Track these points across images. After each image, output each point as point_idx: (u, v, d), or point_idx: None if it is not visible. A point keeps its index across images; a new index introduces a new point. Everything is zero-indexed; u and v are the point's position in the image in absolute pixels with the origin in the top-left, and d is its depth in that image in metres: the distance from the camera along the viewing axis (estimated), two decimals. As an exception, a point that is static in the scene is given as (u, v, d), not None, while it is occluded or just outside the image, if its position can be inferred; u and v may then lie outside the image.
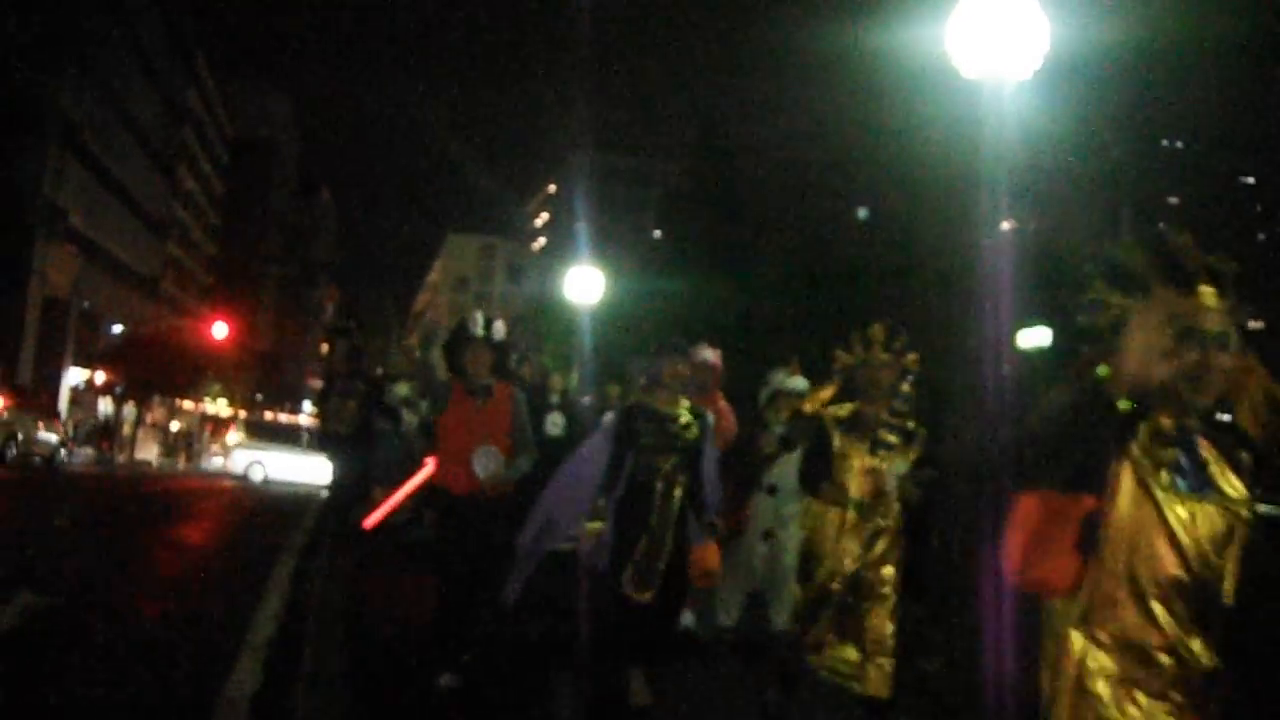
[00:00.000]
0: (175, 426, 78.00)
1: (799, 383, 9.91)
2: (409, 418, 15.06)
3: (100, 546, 14.77)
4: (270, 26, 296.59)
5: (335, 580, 11.18)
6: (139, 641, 8.76)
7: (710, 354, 9.29)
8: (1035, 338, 34.15)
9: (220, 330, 64.72)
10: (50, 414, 42.80)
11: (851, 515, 7.03)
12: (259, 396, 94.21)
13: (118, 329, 65.44)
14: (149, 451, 66.39)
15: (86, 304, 62.64)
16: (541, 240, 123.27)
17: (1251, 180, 76.32)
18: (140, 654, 8.29)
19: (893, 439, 7.09)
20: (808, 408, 8.10)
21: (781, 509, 9.66)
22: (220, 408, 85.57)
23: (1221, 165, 73.83)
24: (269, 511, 24.48)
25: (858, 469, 7.05)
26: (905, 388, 7.33)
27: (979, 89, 8.23)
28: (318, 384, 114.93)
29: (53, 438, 36.98)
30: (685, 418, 7.41)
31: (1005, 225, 8.78)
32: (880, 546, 7.07)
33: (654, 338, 9.28)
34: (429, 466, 9.43)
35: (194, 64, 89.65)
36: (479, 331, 8.21)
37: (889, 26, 31.08)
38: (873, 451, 7.07)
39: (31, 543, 14.52)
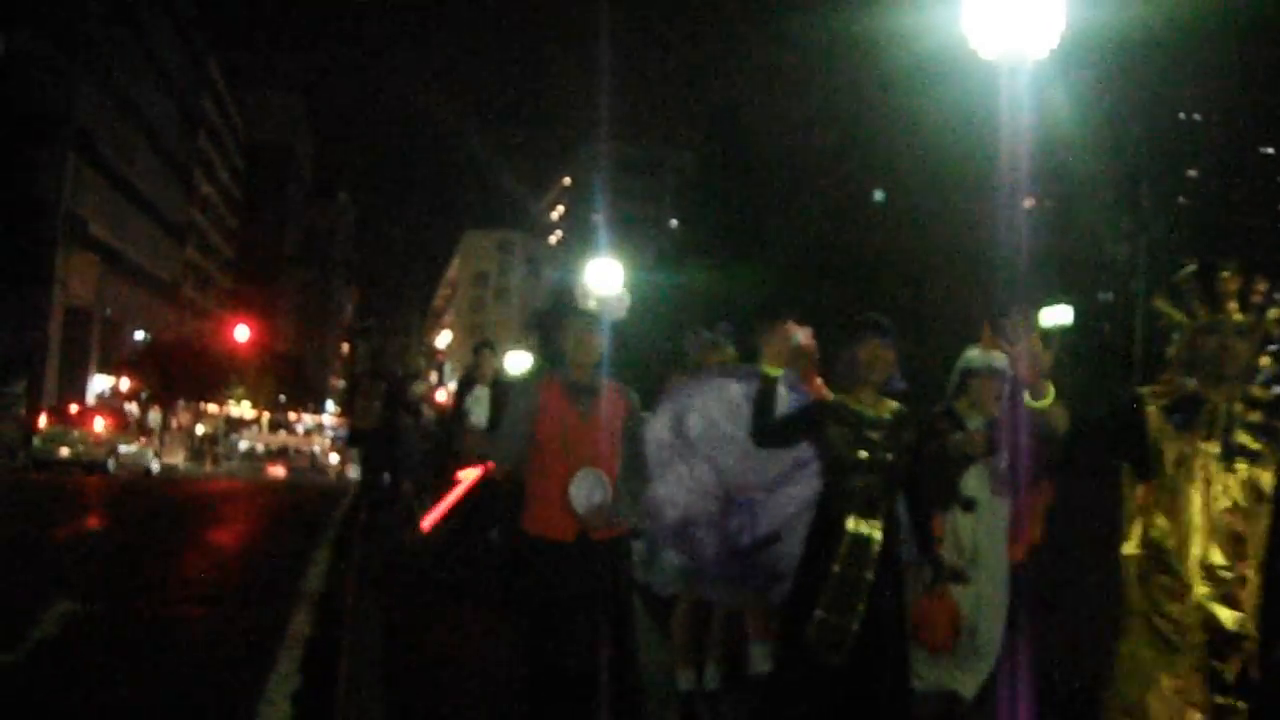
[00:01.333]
0: (200, 430, 78.32)
1: (997, 360, 6.47)
2: (428, 413, 16.29)
3: (137, 551, 14.86)
4: (282, 30, 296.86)
5: (369, 596, 11.09)
6: (177, 645, 8.82)
7: (802, 333, 6.63)
8: (1056, 315, 34.11)
9: (242, 333, 65.04)
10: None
11: (1216, 555, 4.46)
12: (282, 398, 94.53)
13: (140, 335, 65.78)
14: (175, 456, 66.69)
15: (109, 311, 62.89)
16: (558, 233, 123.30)
17: (1271, 151, 75.90)
18: (179, 658, 8.35)
19: (1255, 444, 4.56)
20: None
21: (979, 534, 6.42)
22: (244, 410, 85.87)
23: (1241, 137, 73.46)
24: (299, 508, 24.51)
25: (1212, 488, 4.50)
26: (1266, 362, 4.72)
27: (996, 70, 8.24)
28: (340, 384, 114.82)
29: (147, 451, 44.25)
30: (892, 422, 5.32)
31: (1026, 204, 8.77)
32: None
33: (673, 325, 9.09)
34: (476, 469, 8.88)
35: (207, 70, 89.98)
36: (591, 304, 6.17)
37: (904, 8, 31.03)
38: (1227, 460, 4.53)
39: (66, 550, 14.68)
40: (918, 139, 36.71)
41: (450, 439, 12.42)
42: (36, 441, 37.66)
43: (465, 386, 12.14)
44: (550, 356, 9.63)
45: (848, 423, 5.25)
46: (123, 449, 39.19)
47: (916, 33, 28.68)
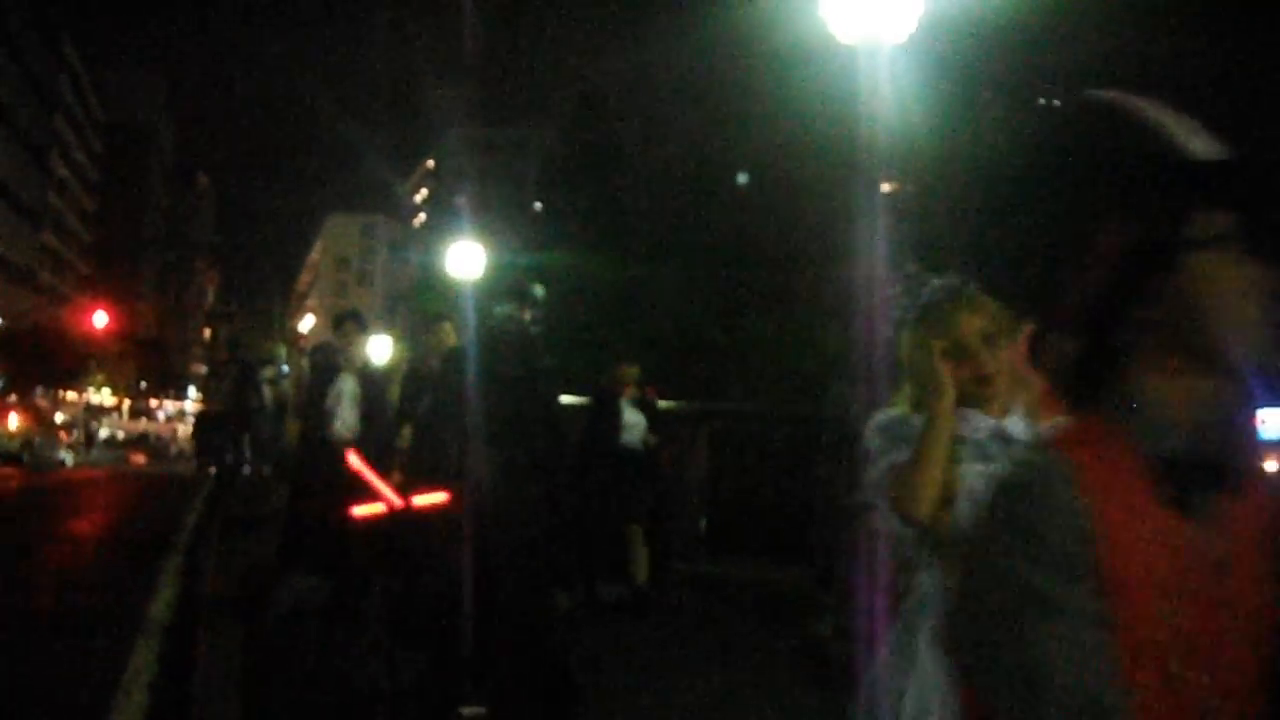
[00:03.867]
0: (60, 418, 76.77)
1: None
2: (269, 394, 16.34)
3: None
4: (142, 7, 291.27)
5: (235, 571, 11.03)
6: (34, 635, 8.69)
7: None
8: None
9: (100, 319, 63.95)
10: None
11: None
12: (143, 384, 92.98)
13: (-4, 322, 64.41)
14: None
15: (-39, 297, 61.49)
16: (422, 216, 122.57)
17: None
18: (35, 648, 8.21)
19: None
20: None
21: None
22: (104, 397, 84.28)
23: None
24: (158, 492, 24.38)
25: None
26: None
27: (854, 53, 8.30)
28: (203, 370, 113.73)
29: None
30: None
31: (884, 188, 8.86)
32: None
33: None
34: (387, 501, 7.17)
35: (62, 49, 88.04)
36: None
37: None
38: None
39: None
40: (780, 123, 36.93)
41: (307, 435, 10.69)
42: None
43: (325, 374, 10.49)
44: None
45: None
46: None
47: (778, 18, 28.83)
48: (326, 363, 10.96)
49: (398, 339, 11.79)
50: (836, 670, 7.17)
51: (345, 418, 9.92)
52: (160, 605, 9.93)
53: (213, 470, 17.26)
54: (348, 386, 10.07)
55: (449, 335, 10.00)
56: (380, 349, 9.51)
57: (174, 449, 78.47)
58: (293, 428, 12.49)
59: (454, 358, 8.07)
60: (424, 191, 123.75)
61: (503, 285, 7.22)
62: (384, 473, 8.37)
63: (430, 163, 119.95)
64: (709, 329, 36.27)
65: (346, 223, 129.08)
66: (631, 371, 11.16)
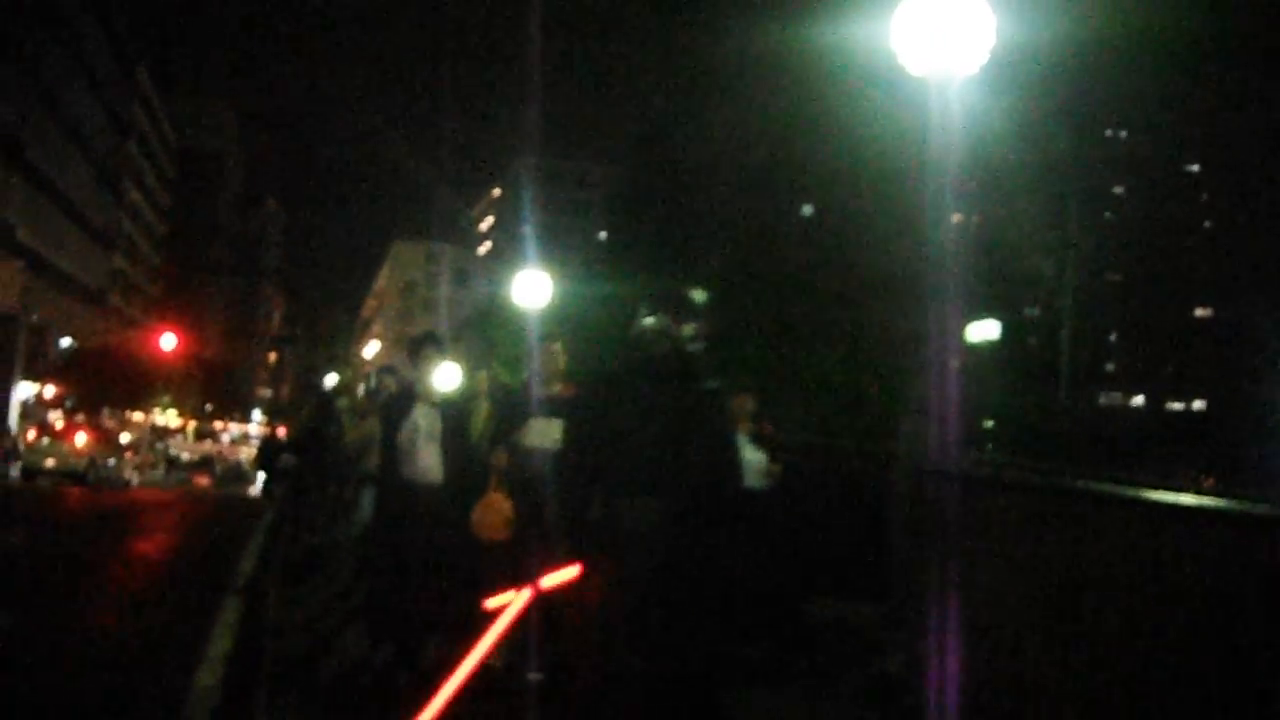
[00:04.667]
0: (126, 438, 77.56)
1: None
2: (348, 425, 15.59)
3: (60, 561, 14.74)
4: (214, 38, 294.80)
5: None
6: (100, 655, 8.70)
7: None
8: (984, 330, 34.38)
9: (168, 341, 64.46)
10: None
11: None
12: (208, 407, 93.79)
13: (66, 342, 65.09)
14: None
15: (35, 317, 62.16)
16: (487, 244, 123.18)
17: (1196, 168, 77.05)
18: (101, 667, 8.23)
19: None
20: None
21: None
22: (170, 418, 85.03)
23: (1166, 155, 74.54)
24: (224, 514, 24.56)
25: None
26: None
27: (925, 85, 8.25)
28: (267, 393, 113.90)
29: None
30: None
31: (954, 219, 8.79)
32: None
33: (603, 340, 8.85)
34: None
35: (137, 76, 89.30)
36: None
37: (834, 23, 31.15)
38: None
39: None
40: (847, 155, 36.82)
41: (384, 478, 9.02)
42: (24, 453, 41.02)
43: (399, 405, 8.93)
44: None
45: None
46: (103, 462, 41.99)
47: (846, 48, 28.78)
48: (399, 392, 9.73)
49: (465, 366, 10.81)
50: (906, 707, 7.10)
51: (424, 457, 8.50)
52: (207, 675, 8.41)
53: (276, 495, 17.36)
54: (424, 421, 8.59)
55: (559, 357, 8.77)
56: (448, 376, 8.76)
57: (239, 472, 79.15)
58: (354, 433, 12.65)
59: (589, 383, 6.86)
60: (490, 219, 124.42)
61: (651, 291, 5.70)
62: (470, 505, 8.34)
63: (497, 191, 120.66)
64: (772, 361, 36.20)
65: (412, 250, 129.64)
66: (746, 403, 9.88)
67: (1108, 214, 73.77)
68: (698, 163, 49.48)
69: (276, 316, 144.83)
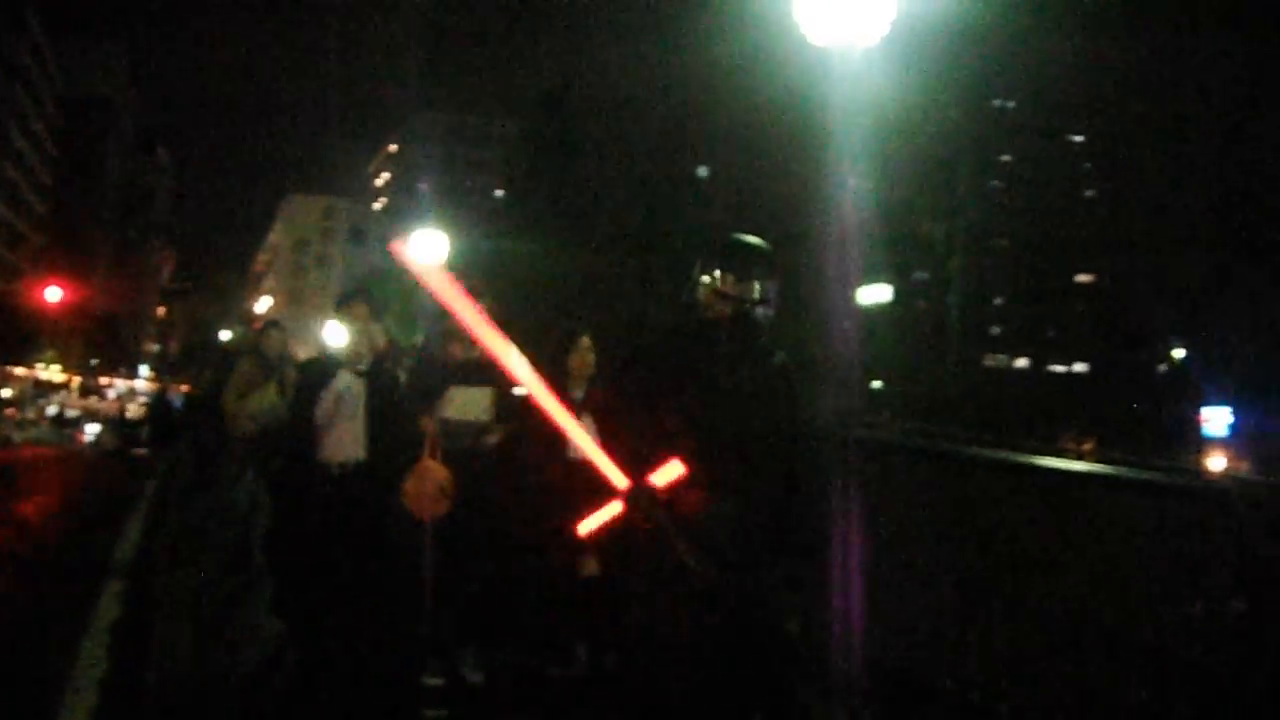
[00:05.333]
0: (7, 394, 76.25)
1: None
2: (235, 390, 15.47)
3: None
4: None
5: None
6: None
7: None
8: (876, 294, 34.93)
9: (53, 293, 63.53)
10: None
11: None
12: (94, 362, 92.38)
13: (-57, 293, 63.98)
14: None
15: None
16: (383, 200, 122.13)
17: (1080, 138, 78.52)
18: None
19: None
20: None
21: None
22: (54, 373, 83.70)
23: (1050, 125, 76.00)
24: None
25: None
26: None
27: (827, 55, 8.48)
28: (154, 348, 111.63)
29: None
30: None
31: (849, 184, 9.02)
32: None
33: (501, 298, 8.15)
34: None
35: (25, 17, 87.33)
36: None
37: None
38: None
39: None
40: (744, 119, 37.19)
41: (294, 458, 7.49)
42: None
43: (314, 373, 7.53)
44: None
45: None
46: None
47: (750, 16, 29.07)
48: (314, 359, 8.35)
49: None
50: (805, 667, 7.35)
51: (343, 432, 7.14)
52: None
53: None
54: (349, 391, 7.16)
55: (587, 354, 6.72)
56: (338, 333, 7.07)
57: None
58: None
59: (618, 345, 5.83)
60: (386, 175, 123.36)
61: (707, 245, 4.78)
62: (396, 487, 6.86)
63: (393, 146, 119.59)
64: (667, 320, 36.53)
65: (307, 204, 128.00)
66: None
67: (995, 182, 74.97)
68: (596, 126, 49.62)
69: (166, 270, 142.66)
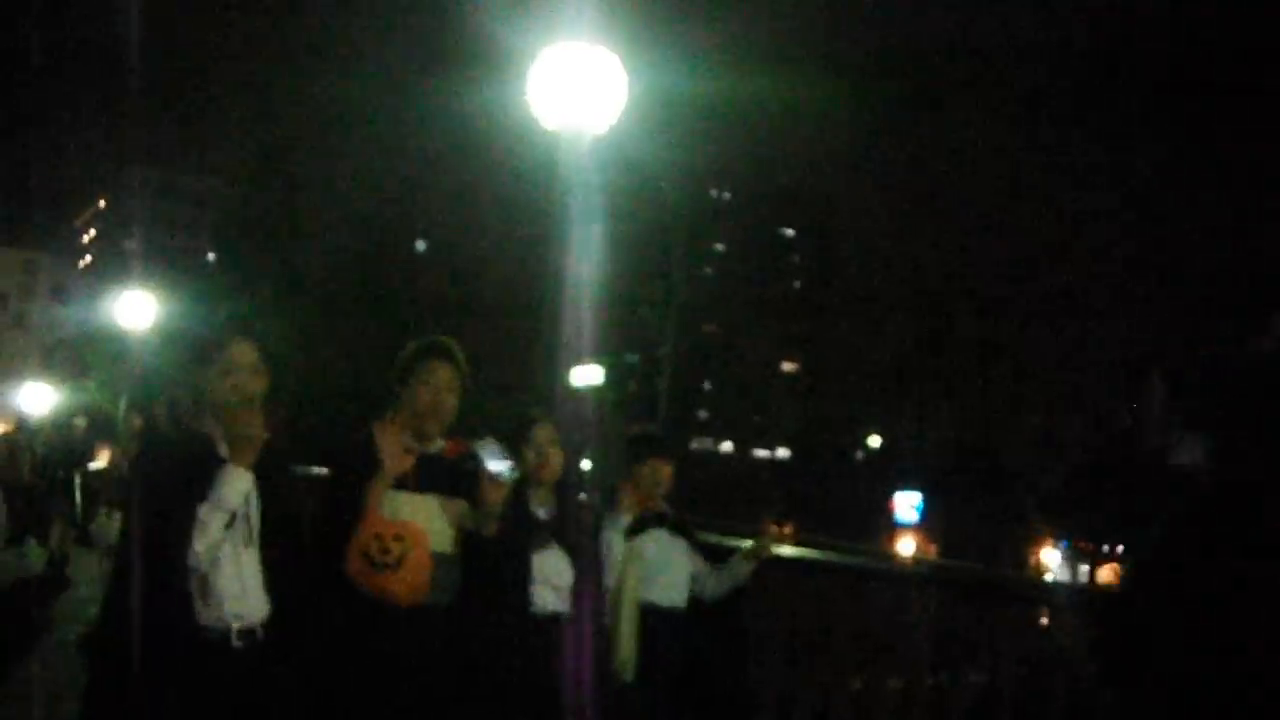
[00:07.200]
0: None
1: None
2: None
3: None
4: None
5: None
6: None
7: None
8: (587, 375, 35.32)
9: None
10: None
11: None
12: None
13: None
14: None
15: None
16: (88, 258, 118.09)
17: (790, 232, 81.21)
18: None
19: None
20: None
21: None
22: None
23: (763, 217, 78.40)
24: None
25: None
26: None
27: (557, 139, 8.66)
28: None
29: None
30: None
31: (569, 266, 9.21)
32: None
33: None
34: None
35: None
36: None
37: (472, 75, 31.63)
38: None
39: None
40: (466, 198, 37.48)
41: None
42: None
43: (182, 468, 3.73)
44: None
45: None
46: None
47: (482, 98, 29.32)
48: (167, 439, 6.03)
49: (60, 388, 8.37)
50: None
51: (233, 581, 4.05)
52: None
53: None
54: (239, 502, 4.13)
55: (662, 472, 5.97)
56: (37, 398, 6.36)
57: None
58: None
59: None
60: (93, 231, 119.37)
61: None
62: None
63: (102, 202, 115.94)
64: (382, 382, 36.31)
65: (6, 257, 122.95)
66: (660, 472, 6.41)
67: (708, 269, 76.75)
68: (313, 192, 49.22)
69: None
